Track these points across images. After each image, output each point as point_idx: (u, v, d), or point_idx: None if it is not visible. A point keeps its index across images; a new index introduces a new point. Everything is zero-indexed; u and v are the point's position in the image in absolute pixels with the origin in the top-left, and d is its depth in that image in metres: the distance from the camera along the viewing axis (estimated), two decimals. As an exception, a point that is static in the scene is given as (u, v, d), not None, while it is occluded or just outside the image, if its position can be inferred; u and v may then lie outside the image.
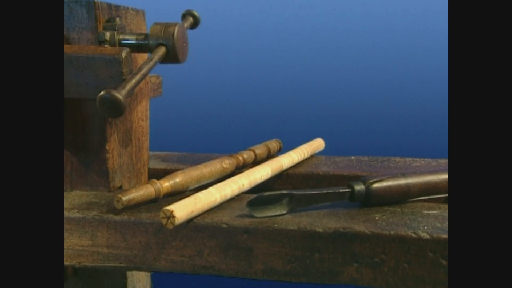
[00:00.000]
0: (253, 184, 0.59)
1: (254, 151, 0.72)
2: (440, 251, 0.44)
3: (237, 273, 0.52)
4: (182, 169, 0.61)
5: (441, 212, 0.51)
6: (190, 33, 0.65)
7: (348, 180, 0.55)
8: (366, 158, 0.76)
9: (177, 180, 0.58)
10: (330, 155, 0.77)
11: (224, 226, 0.52)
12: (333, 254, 0.49)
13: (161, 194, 0.57)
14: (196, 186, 0.61)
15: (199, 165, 0.63)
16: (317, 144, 0.77)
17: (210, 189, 0.54)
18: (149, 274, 0.79)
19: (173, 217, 0.48)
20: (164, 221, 0.48)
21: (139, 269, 0.54)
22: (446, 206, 0.52)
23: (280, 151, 0.78)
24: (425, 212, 0.51)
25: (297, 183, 0.69)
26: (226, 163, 0.65)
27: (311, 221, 0.52)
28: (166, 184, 0.57)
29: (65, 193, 0.61)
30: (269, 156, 0.75)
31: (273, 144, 0.78)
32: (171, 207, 0.48)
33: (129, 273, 0.73)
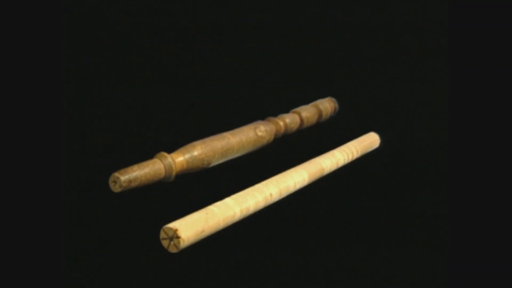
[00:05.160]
0: (284, 194, 0.49)
1: (299, 114, 0.63)
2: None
3: None
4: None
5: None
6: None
7: None
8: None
9: (195, 153, 0.50)
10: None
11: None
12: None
13: (173, 173, 0.48)
14: (220, 161, 0.53)
15: (224, 133, 0.54)
16: (370, 140, 0.62)
17: (227, 200, 0.44)
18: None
19: (178, 237, 0.39)
20: (165, 243, 0.40)
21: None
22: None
23: (335, 113, 0.68)
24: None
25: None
26: (262, 130, 0.57)
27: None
28: (180, 158, 0.49)
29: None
30: (320, 121, 0.66)
31: (325, 105, 0.66)
32: (174, 225, 0.40)
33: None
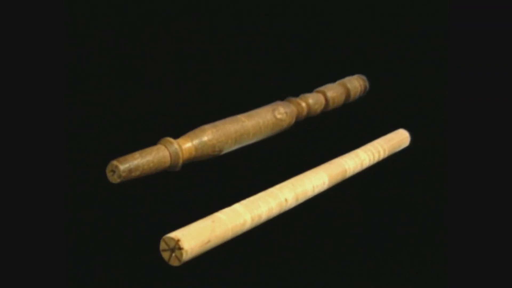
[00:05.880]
0: (301, 199, 0.47)
1: (324, 94, 0.60)
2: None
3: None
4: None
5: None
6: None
7: None
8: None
9: (205, 138, 0.49)
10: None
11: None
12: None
13: (180, 161, 0.47)
14: (234, 148, 0.52)
15: (239, 116, 0.53)
16: (399, 138, 0.58)
17: (236, 206, 0.42)
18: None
19: (180, 248, 0.38)
20: (166, 254, 0.38)
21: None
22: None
23: (365, 93, 0.65)
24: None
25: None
26: (281, 112, 0.55)
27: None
28: (188, 145, 0.48)
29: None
30: (348, 101, 0.64)
31: (354, 83, 0.64)
32: (176, 234, 0.38)
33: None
